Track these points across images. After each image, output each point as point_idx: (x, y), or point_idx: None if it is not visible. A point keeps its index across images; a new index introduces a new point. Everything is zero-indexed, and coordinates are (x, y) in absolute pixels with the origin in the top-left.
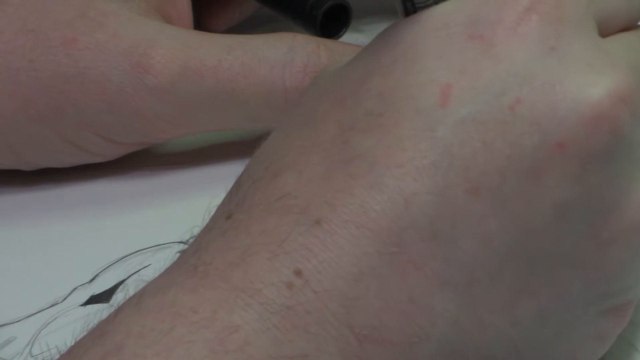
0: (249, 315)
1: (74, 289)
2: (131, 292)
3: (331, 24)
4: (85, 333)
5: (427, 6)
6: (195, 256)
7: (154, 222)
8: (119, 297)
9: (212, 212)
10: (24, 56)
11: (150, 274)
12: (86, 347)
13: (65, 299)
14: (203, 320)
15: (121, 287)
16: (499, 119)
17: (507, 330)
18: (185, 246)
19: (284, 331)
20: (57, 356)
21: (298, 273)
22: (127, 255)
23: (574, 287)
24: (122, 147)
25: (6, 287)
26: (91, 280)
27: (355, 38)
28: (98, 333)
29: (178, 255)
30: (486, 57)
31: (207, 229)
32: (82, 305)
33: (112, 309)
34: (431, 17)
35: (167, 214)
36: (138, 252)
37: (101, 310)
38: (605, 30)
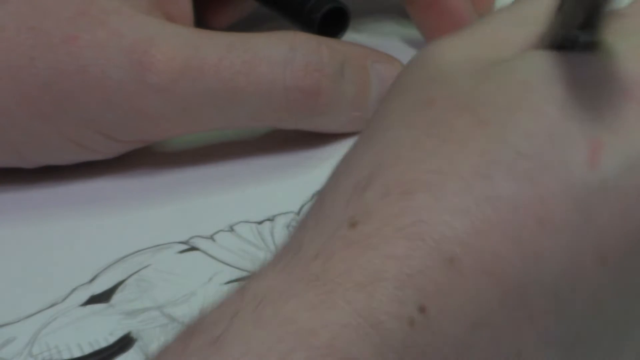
0: (366, 349)
1: (74, 289)
2: (129, 292)
3: (329, 27)
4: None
5: (584, 46)
6: (316, 263)
7: (154, 222)
8: (118, 297)
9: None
10: (24, 54)
11: (150, 274)
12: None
13: (65, 299)
14: (323, 347)
15: (121, 287)
16: None
17: None
18: (186, 246)
19: None
20: (57, 356)
21: (422, 310)
22: (127, 255)
23: None
24: (122, 144)
25: (6, 287)
26: (91, 280)
27: (355, 38)
28: (211, 339)
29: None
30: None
31: (327, 232)
32: (82, 305)
33: (112, 309)
34: (595, 58)
35: (167, 214)
36: (138, 252)
37: (101, 310)
38: None
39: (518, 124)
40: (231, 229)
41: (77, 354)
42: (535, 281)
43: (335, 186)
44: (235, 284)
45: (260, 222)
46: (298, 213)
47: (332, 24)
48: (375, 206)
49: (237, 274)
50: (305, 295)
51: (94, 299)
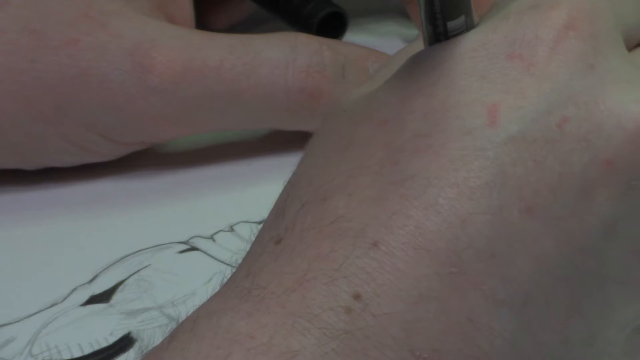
0: (307, 341)
1: (74, 289)
2: (129, 292)
3: (327, 31)
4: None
5: (460, 34)
6: (247, 280)
7: (154, 222)
8: (118, 297)
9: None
10: (26, 56)
11: (150, 274)
12: None
13: (65, 299)
14: (260, 346)
15: (121, 287)
16: (548, 137)
17: (559, 349)
18: (186, 246)
19: (342, 356)
20: (57, 356)
21: (357, 297)
22: (127, 255)
23: (618, 305)
24: (123, 147)
25: (6, 287)
26: (91, 280)
27: (354, 39)
28: None
29: (227, 277)
30: (528, 76)
31: (256, 254)
32: (82, 305)
33: (112, 309)
34: (467, 38)
35: (167, 214)
36: (138, 252)
37: (101, 310)
38: (628, 45)
39: (413, 111)
40: (231, 229)
41: (77, 354)
42: (467, 246)
43: (265, 220)
44: None
45: (260, 222)
46: None
47: (330, 28)
48: (295, 219)
49: None
50: (240, 307)
51: (94, 299)
